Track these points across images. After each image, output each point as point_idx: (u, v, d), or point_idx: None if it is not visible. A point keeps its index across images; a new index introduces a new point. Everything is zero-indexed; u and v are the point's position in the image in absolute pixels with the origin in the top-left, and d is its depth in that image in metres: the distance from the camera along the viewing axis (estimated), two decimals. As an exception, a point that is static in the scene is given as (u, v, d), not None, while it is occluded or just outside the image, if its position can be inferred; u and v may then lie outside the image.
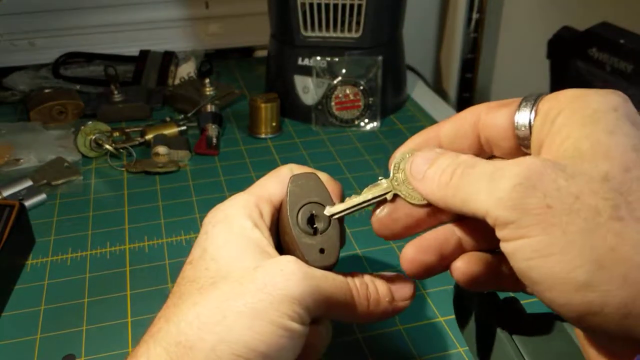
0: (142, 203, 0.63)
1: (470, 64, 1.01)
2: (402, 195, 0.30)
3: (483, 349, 0.31)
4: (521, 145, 0.28)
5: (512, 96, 0.28)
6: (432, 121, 0.81)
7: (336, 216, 0.31)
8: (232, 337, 0.26)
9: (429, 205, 0.29)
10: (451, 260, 0.29)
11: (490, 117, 0.29)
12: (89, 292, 0.51)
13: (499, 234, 0.24)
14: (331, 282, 0.29)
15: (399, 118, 0.82)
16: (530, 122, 0.26)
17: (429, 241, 0.29)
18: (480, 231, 0.29)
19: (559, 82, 0.75)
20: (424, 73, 1.03)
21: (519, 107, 0.27)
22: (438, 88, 1.10)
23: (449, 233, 0.29)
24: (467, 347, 0.37)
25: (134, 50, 0.92)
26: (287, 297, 0.27)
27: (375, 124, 0.79)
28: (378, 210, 0.30)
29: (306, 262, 0.30)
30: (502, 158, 0.29)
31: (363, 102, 0.78)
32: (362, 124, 0.79)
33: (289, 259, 0.28)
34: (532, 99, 0.27)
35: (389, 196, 0.30)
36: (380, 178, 0.30)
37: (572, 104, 0.25)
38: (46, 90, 0.81)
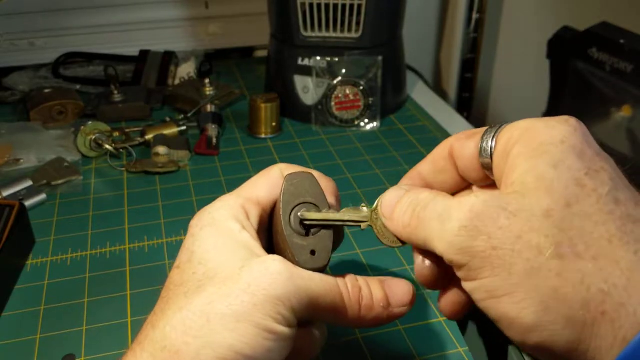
0: (142, 203, 0.63)
1: (470, 64, 1.01)
2: (375, 231, 0.30)
3: (484, 350, 0.31)
4: (488, 174, 0.28)
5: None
6: (432, 121, 0.81)
7: (307, 223, 0.30)
8: (216, 340, 0.25)
9: (401, 244, 0.29)
10: None
11: (459, 149, 0.29)
12: (89, 292, 0.51)
13: (457, 274, 0.25)
14: (319, 283, 0.28)
15: (399, 118, 0.82)
16: (491, 152, 0.27)
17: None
18: None
19: (559, 82, 0.75)
20: (424, 73, 1.03)
21: (482, 138, 0.27)
22: (438, 88, 1.10)
23: None
24: (467, 348, 0.37)
25: (134, 50, 0.92)
26: (271, 297, 0.26)
27: (375, 124, 0.79)
28: (418, 265, 0.29)
29: (296, 263, 0.29)
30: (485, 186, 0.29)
31: (363, 102, 0.78)
32: (362, 124, 0.79)
33: (275, 258, 0.28)
34: (495, 129, 0.27)
35: (363, 225, 0.30)
36: (363, 205, 0.31)
37: (524, 136, 0.25)
38: (46, 90, 0.81)
